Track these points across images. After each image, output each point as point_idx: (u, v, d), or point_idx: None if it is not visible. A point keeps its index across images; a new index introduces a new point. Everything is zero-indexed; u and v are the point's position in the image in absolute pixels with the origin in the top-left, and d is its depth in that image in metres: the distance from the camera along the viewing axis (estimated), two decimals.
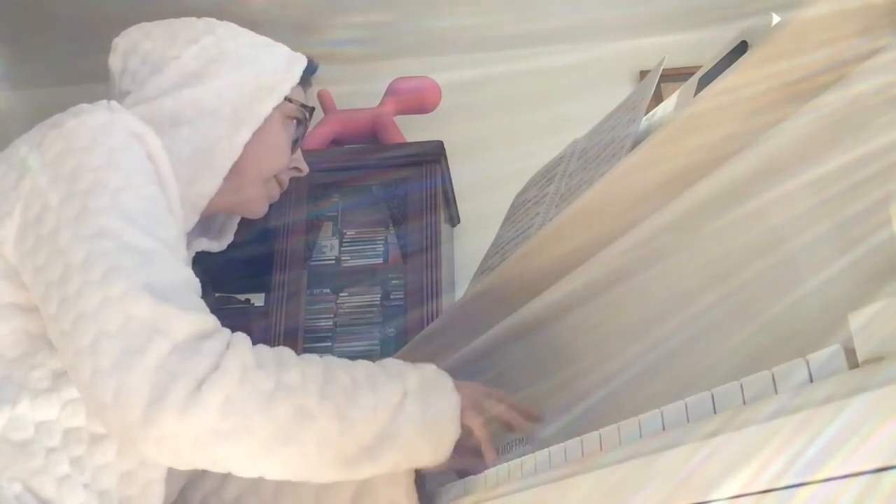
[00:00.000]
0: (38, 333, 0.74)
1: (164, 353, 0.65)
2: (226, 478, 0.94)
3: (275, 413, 0.66)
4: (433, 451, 0.74)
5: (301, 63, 1.00)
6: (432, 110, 2.49)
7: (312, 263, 2.16)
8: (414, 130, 2.46)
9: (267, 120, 0.94)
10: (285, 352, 0.73)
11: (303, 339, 2.06)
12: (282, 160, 0.98)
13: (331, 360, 0.75)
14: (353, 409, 0.70)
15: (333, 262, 2.17)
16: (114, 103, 0.84)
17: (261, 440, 0.66)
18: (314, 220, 2.20)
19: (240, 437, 0.65)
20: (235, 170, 0.92)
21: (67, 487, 0.72)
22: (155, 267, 0.70)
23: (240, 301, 2.23)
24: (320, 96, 2.43)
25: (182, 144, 0.87)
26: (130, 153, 0.78)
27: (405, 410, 0.72)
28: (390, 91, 2.46)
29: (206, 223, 1.03)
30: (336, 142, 2.41)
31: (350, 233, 2.21)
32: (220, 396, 0.65)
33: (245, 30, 1.01)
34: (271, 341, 2.03)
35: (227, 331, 0.71)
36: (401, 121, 2.46)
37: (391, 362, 0.79)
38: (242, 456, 0.66)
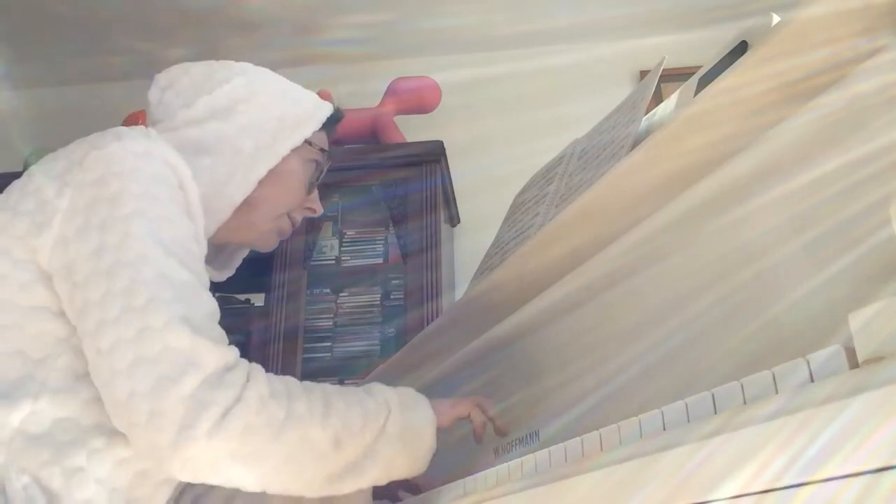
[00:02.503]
0: (64, 337, 0.78)
1: (196, 383, 0.71)
2: (196, 500, 0.98)
3: (283, 439, 0.74)
4: (411, 464, 0.82)
5: (326, 110, 1.05)
6: (432, 110, 2.49)
7: (312, 263, 2.16)
8: (414, 130, 2.46)
9: (285, 159, 0.98)
10: (291, 382, 0.80)
11: (303, 339, 2.06)
12: (294, 199, 1.02)
13: (327, 387, 0.82)
14: (346, 433, 0.77)
15: (333, 262, 2.17)
16: (152, 131, 0.90)
17: (271, 464, 0.73)
18: (314, 220, 2.20)
19: (254, 461, 0.73)
20: (249, 204, 0.96)
21: (77, 480, 0.75)
22: (190, 300, 0.77)
23: (240, 301, 2.23)
24: (320, 96, 2.43)
25: (202, 172, 0.91)
26: (166, 184, 0.84)
27: (387, 431, 0.80)
28: (390, 91, 2.46)
29: (215, 252, 1.06)
30: (336, 142, 2.41)
31: (350, 233, 2.21)
32: (241, 425, 0.72)
33: (278, 75, 1.06)
34: (271, 341, 2.03)
35: (246, 362, 0.78)
36: (401, 121, 2.46)
37: (377, 387, 0.85)
38: (253, 476, 0.74)
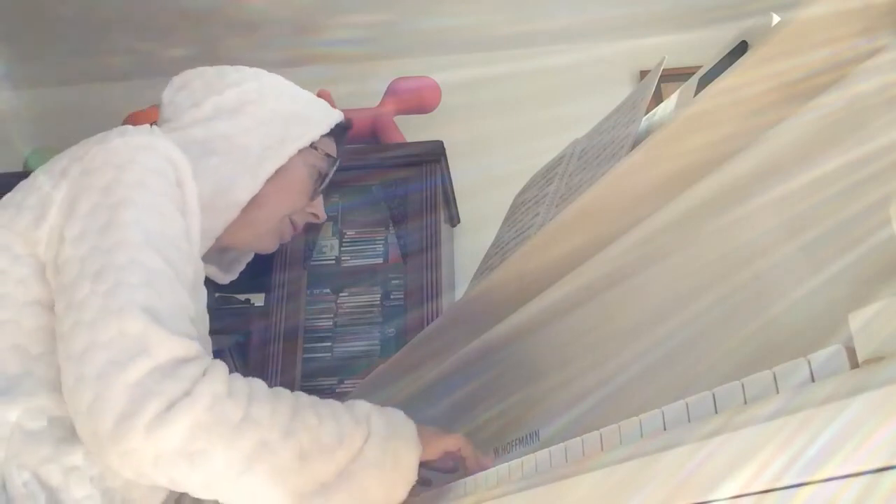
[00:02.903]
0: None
1: (143, 372, 0.68)
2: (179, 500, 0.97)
3: (237, 443, 0.69)
4: (387, 494, 0.76)
5: (335, 116, 1.06)
6: (432, 110, 2.49)
7: (312, 263, 2.16)
8: (414, 130, 2.46)
9: (291, 160, 0.98)
10: (257, 384, 0.76)
11: (303, 339, 2.06)
12: (297, 202, 1.02)
13: (301, 397, 0.78)
14: (315, 449, 0.73)
15: (333, 262, 2.17)
16: (156, 128, 0.91)
17: (219, 467, 0.69)
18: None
19: (199, 462, 0.68)
20: (253, 204, 0.96)
21: (74, 478, 0.75)
22: (157, 288, 0.75)
23: (240, 301, 2.23)
24: (320, 96, 2.43)
25: (209, 173, 0.92)
26: (162, 177, 0.84)
27: (365, 454, 0.75)
28: (390, 91, 2.46)
29: (220, 254, 1.07)
30: None
31: (350, 233, 2.21)
32: (187, 421, 0.68)
33: (290, 83, 1.06)
34: (271, 341, 2.03)
35: (209, 358, 0.74)
36: (401, 121, 2.46)
37: (360, 405, 0.81)
38: (198, 480, 0.69)
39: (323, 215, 1.07)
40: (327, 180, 1.05)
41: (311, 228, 2.18)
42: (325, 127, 1.03)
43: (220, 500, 0.72)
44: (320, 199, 1.06)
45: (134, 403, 0.67)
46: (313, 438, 0.73)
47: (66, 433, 0.75)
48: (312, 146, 1.01)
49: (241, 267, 1.10)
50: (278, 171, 0.97)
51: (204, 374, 0.72)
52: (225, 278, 1.08)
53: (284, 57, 2.47)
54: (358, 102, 2.46)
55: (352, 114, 2.42)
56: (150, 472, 0.69)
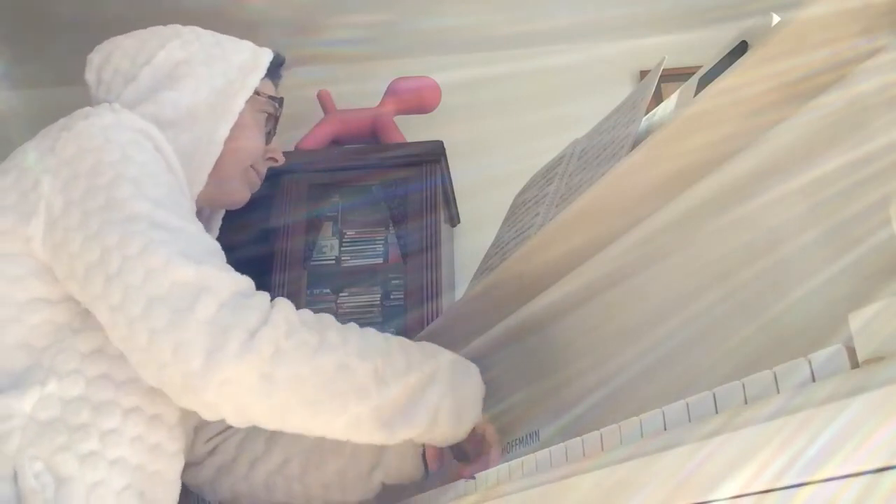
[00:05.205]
0: (64, 323, 0.79)
1: (212, 309, 0.71)
2: (253, 464, 0.99)
3: (320, 365, 0.72)
4: (454, 427, 0.80)
5: (266, 56, 1.05)
6: (432, 110, 2.49)
7: (312, 263, 2.16)
8: (414, 130, 2.46)
9: (241, 114, 0.98)
10: (326, 316, 0.80)
11: None
12: (255, 150, 1.03)
13: (369, 329, 0.81)
14: (389, 371, 0.76)
15: (333, 262, 2.17)
16: (116, 105, 0.89)
17: (309, 389, 0.72)
18: (314, 220, 2.20)
19: (290, 386, 0.71)
20: (216, 165, 0.96)
21: (90, 464, 0.75)
22: (186, 239, 0.76)
23: None
24: (320, 96, 2.43)
25: (171, 145, 0.90)
26: (141, 147, 0.83)
27: (436, 382, 0.79)
28: (390, 91, 2.46)
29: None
30: (336, 142, 2.41)
31: (350, 233, 2.20)
32: (271, 347, 0.71)
33: (209, 31, 1.06)
34: None
35: (266, 293, 0.77)
36: (401, 121, 2.46)
37: (427, 344, 0.85)
38: (295, 404, 0.72)
39: (281, 158, 1.07)
40: (277, 121, 1.06)
41: (312, 228, 2.18)
42: (262, 69, 1.02)
43: (317, 432, 0.75)
44: (276, 142, 1.06)
45: (216, 338, 0.69)
46: (387, 362, 0.76)
47: (84, 417, 0.76)
48: (255, 93, 1.01)
49: (217, 225, 1.10)
50: (231, 128, 0.97)
51: (273, 305, 0.75)
52: None
53: (284, 57, 2.47)
54: (358, 102, 2.46)
55: (352, 114, 2.44)
56: (249, 401, 0.71)
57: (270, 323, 0.72)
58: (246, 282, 0.76)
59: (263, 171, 1.06)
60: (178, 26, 1.04)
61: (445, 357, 0.83)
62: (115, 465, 0.76)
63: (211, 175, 0.96)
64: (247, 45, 1.05)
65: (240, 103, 0.98)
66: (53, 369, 0.76)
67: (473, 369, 0.85)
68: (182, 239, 0.76)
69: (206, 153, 0.95)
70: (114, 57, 0.99)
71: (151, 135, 0.86)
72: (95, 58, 1.01)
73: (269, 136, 1.05)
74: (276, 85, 1.08)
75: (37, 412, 0.74)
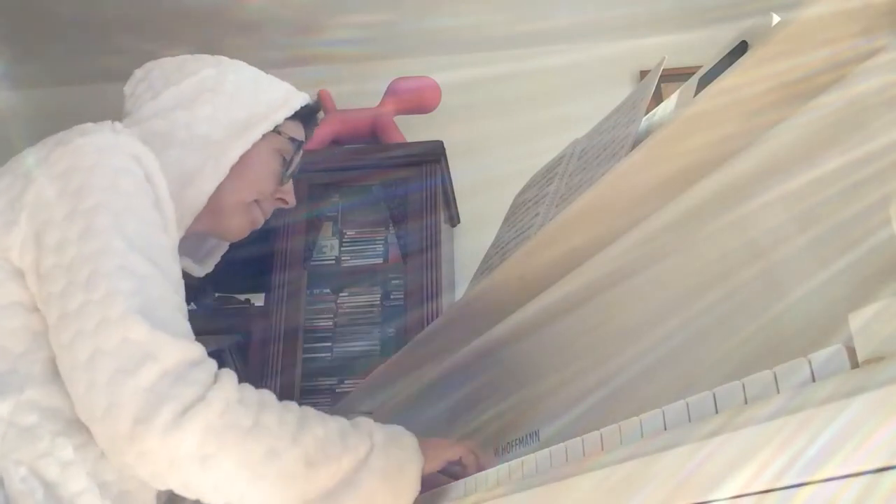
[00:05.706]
0: (41, 330, 0.78)
1: (154, 376, 0.70)
2: None
3: (248, 448, 0.71)
4: (392, 503, 0.78)
5: (300, 99, 1.04)
6: (432, 110, 2.49)
7: (312, 263, 2.16)
8: (414, 130, 2.46)
9: (255, 146, 0.97)
10: (267, 395, 0.78)
11: (303, 340, 2.05)
12: (263, 187, 1.01)
13: (308, 410, 0.79)
14: (321, 456, 0.74)
15: (333, 262, 2.17)
16: (118, 125, 0.89)
17: (230, 471, 0.71)
18: (314, 220, 2.20)
19: (212, 466, 0.70)
20: (219, 192, 0.95)
21: (71, 472, 0.75)
22: (151, 293, 0.75)
23: (240, 301, 2.23)
24: (320, 96, 2.43)
25: (173, 165, 0.91)
26: (131, 176, 0.83)
27: (369, 464, 0.77)
28: (390, 91, 2.46)
29: (195, 245, 1.06)
30: (336, 142, 2.41)
31: (350, 233, 2.20)
32: (201, 425, 0.70)
33: (253, 68, 1.05)
34: (271, 341, 2.03)
35: (214, 362, 0.76)
36: (401, 121, 2.46)
37: (363, 420, 0.83)
38: (211, 483, 0.71)
39: (292, 201, 1.05)
40: (294, 164, 1.04)
41: (312, 228, 2.18)
42: (289, 110, 1.01)
43: None
44: (290, 184, 1.05)
45: (149, 407, 0.69)
46: (319, 447, 0.75)
47: (60, 427, 0.76)
48: (276, 131, 1.00)
49: (216, 260, 1.09)
50: (242, 158, 0.96)
51: (215, 379, 0.74)
52: (199, 271, 1.07)
53: (284, 57, 2.47)
54: (358, 102, 2.46)
55: (352, 114, 2.44)
56: (166, 475, 0.71)
57: (206, 400, 0.71)
58: (196, 351, 0.74)
59: (269, 210, 1.04)
60: (224, 58, 1.03)
61: (380, 436, 0.80)
62: (91, 477, 0.76)
63: (213, 202, 0.95)
64: (283, 86, 1.04)
65: (256, 134, 0.97)
66: (31, 376, 0.76)
67: (408, 442, 0.82)
68: (146, 290, 0.75)
69: (211, 175, 0.94)
70: (152, 74, 1.00)
71: (145, 163, 0.85)
72: (138, 73, 1.02)
73: (285, 177, 1.03)
74: (308, 132, 1.06)
75: (15, 417, 0.74)
